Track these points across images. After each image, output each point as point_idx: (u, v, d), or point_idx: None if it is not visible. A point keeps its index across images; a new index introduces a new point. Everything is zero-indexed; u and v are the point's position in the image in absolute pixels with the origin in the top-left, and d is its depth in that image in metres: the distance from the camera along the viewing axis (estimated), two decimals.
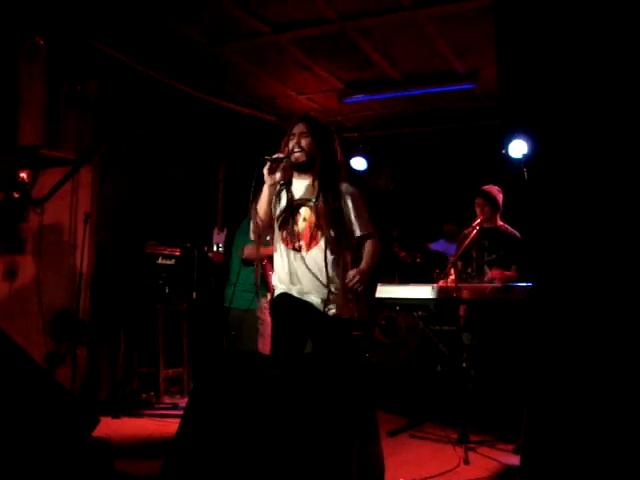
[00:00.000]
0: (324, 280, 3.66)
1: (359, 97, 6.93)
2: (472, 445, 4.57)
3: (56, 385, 3.92)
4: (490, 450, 4.57)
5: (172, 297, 6.29)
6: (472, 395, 4.96)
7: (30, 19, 5.03)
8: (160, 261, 6.20)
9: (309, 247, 3.70)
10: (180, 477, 3.54)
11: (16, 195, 5.33)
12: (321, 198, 3.72)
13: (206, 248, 6.63)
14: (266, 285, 5.77)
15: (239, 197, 6.65)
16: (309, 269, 3.67)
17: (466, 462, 4.27)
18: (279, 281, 3.82)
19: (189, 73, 6.33)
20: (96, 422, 3.85)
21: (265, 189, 3.69)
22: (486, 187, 5.62)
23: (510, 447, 4.56)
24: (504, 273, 5.29)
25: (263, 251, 5.61)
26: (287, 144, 3.76)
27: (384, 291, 5.48)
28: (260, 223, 3.75)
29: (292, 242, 3.73)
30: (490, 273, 5.33)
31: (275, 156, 3.65)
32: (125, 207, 6.36)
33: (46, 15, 5.06)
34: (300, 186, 3.78)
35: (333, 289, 3.67)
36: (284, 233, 3.75)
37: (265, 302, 6.10)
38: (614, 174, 2.51)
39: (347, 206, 3.82)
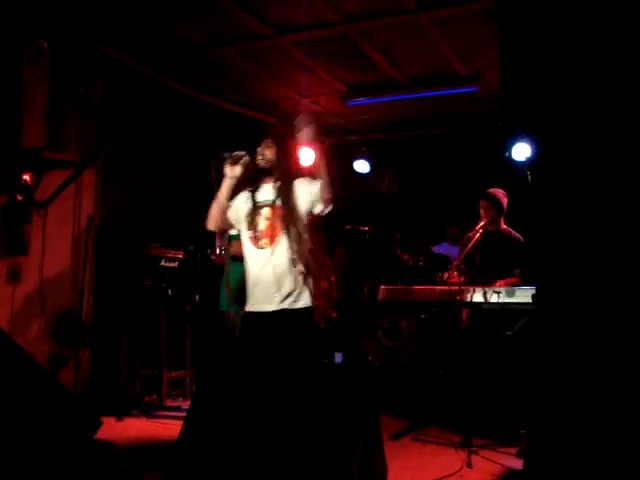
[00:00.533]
0: (287, 276, 3.93)
1: (362, 100, 6.93)
2: (475, 448, 4.56)
3: (59, 387, 3.92)
4: (493, 453, 4.56)
5: (175, 300, 6.29)
6: (475, 398, 4.94)
7: (33, 22, 5.04)
8: (163, 264, 6.20)
9: (271, 244, 3.97)
10: (183, 479, 3.54)
11: (19, 197, 5.34)
12: (280, 199, 4.04)
13: (209, 251, 6.62)
14: None
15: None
16: (273, 266, 3.93)
17: (469, 465, 4.26)
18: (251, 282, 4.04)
19: (192, 75, 6.33)
20: (99, 424, 3.85)
21: (226, 182, 4.00)
22: (491, 190, 5.62)
23: (513, 450, 4.55)
24: (510, 282, 5.28)
25: None
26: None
27: (387, 294, 5.48)
28: (221, 215, 4.05)
29: (257, 241, 4.00)
30: (497, 285, 5.32)
31: (236, 153, 3.97)
32: (128, 209, 6.37)
33: (49, 18, 5.07)
34: (263, 190, 4.11)
35: (294, 283, 3.95)
36: (250, 232, 4.03)
37: None
38: (618, 177, 2.51)
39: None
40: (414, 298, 5.34)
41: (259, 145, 4.09)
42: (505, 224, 5.63)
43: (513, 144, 5.53)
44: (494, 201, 5.54)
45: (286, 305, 3.91)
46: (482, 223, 5.34)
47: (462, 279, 5.06)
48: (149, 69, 5.96)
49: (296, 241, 3.97)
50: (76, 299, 5.84)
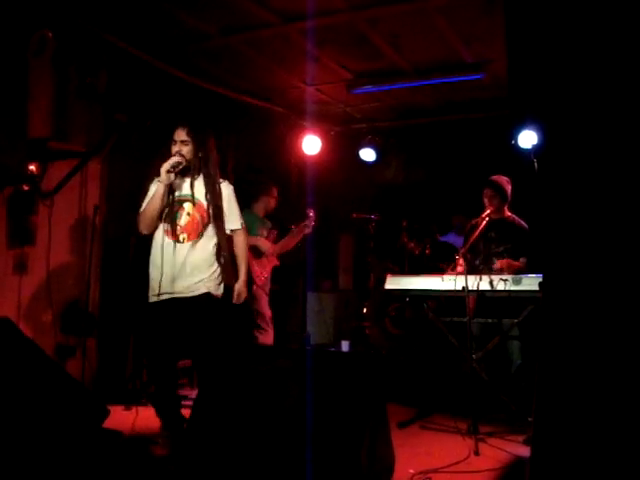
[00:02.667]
0: (205, 267, 4.15)
1: (368, 88, 6.91)
2: (482, 436, 4.58)
3: (67, 377, 3.94)
4: (500, 441, 4.57)
5: None
6: (482, 386, 4.95)
7: (38, 12, 5.03)
8: None
9: (190, 239, 4.12)
10: (190, 467, 3.56)
11: (26, 188, 5.35)
12: (205, 196, 4.18)
13: None
14: (251, 278, 5.84)
15: (247, 189, 6.68)
16: (192, 258, 4.10)
17: (476, 453, 4.27)
18: (155, 270, 4.14)
19: (197, 64, 6.32)
20: (106, 413, 3.87)
21: (160, 187, 4.08)
22: (495, 177, 5.60)
23: (520, 438, 4.56)
24: (512, 263, 5.28)
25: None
26: (174, 144, 4.22)
27: (393, 282, 5.48)
28: (152, 219, 4.14)
29: (175, 234, 4.12)
30: (498, 263, 5.32)
31: (175, 162, 4.08)
32: (134, 199, 6.35)
33: (54, 7, 5.06)
34: (181, 184, 4.20)
35: (211, 274, 4.17)
36: (166, 226, 4.14)
37: (262, 295, 6.14)
38: (626, 165, 2.50)
39: (225, 203, 4.29)
40: (421, 286, 5.33)
41: (173, 140, 4.20)
42: (509, 211, 5.62)
43: (519, 131, 5.52)
44: (498, 189, 5.53)
45: (194, 293, 4.11)
46: (487, 211, 5.33)
47: (468, 267, 5.06)
48: (155, 58, 5.95)
49: (218, 236, 4.19)
50: (83, 289, 5.85)
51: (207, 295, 4.15)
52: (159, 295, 4.09)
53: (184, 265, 4.09)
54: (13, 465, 3.21)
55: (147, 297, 4.19)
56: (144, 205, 4.17)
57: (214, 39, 5.72)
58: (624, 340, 2.41)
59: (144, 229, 4.18)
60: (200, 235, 4.13)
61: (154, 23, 5.41)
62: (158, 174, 4.12)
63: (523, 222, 5.52)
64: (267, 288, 6.25)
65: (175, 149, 4.15)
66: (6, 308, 5.11)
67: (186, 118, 4.32)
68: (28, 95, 5.04)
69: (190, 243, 4.11)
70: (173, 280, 4.08)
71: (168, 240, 4.09)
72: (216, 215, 4.18)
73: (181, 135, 4.18)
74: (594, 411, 2.43)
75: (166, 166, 4.04)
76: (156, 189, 4.10)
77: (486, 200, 5.51)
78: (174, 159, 4.08)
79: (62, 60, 5.25)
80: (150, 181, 4.26)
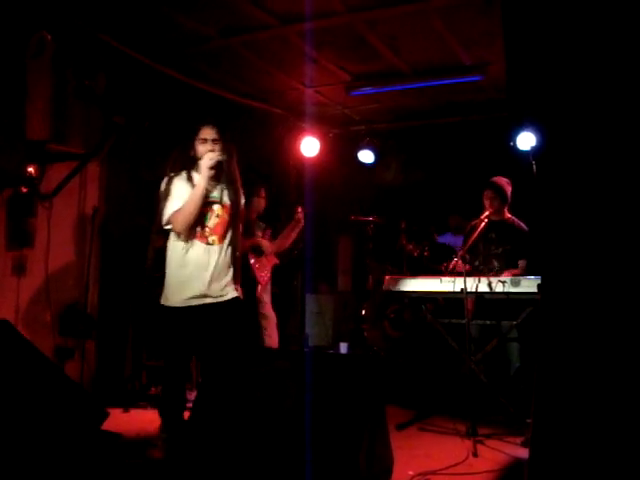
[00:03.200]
0: (228, 270, 4.10)
1: (366, 90, 6.91)
2: (480, 438, 4.58)
3: (65, 379, 3.94)
4: (499, 443, 4.57)
5: None
6: (480, 388, 4.95)
7: (37, 14, 5.04)
8: None
9: (219, 241, 4.03)
10: (188, 469, 3.56)
11: (24, 190, 5.35)
12: (232, 199, 4.12)
13: None
14: (255, 279, 5.87)
15: (246, 190, 6.68)
16: (220, 261, 4.02)
17: (475, 455, 4.27)
18: (181, 273, 4.02)
19: (196, 67, 6.32)
20: (105, 415, 3.87)
21: (202, 184, 3.92)
22: (495, 179, 5.60)
23: (519, 440, 4.56)
24: (515, 273, 5.27)
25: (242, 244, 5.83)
26: (196, 147, 4.07)
27: (392, 284, 5.49)
28: (194, 217, 3.95)
29: (204, 236, 4.01)
30: (502, 276, 5.32)
31: (219, 159, 3.98)
32: (133, 201, 6.37)
33: (53, 9, 5.06)
34: (209, 186, 4.03)
35: (231, 276, 4.13)
36: (197, 228, 4.00)
37: (267, 297, 6.14)
38: (624, 166, 2.50)
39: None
40: (419, 288, 5.33)
41: (201, 139, 4.06)
42: (509, 213, 5.62)
43: (518, 133, 5.52)
44: (498, 190, 5.54)
45: (225, 297, 4.05)
46: (487, 213, 5.34)
47: (467, 269, 5.06)
48: (153, 60, 5.95)
49: (239, 239, 4.18)
50: (82, 291, 5.85)
51: (236, 299, 4.10)
52: (189, 299, 3.98)
53: (215, 268, 4.00)
54: (12, 467, 3.20)
55: (162, 300, 4.05)
56: (180, 204, 3.93)
57: (213, 41, 5.72)
58: (622, 342, 2.41)
59: (183, 228, 3.95)
60: (225, 237, 4.07)
61: (153, 26, 5.41)
62: (175, 171, 4.03)
63: (523, 224, 5.52)
64: (269, 289, 6.24)
65: (208, 147, 4.01)
66: (5, 310, 5.11)
67: (212, 118, 4.24)
68: (26, 97, 5.04)
69: (219, 246, 4.03)
70: (204, 284, 3.98)
71: (198, 242, 3.99)
72: (236, 216, 4.13)
73: (212, 134, 4.05)
74: (592, 413, 2.43)
75: (209, 163, 3.92)
76: (197, 186, 3.93)
77: (486, 201, 5.51)
78: (217, 156, 3.96)
79: (61, 62, 5.26)
80: (170, 179, 4.05)
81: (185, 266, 3.99)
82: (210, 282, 3.98)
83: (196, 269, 3.96)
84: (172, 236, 4.05)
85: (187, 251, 3.98)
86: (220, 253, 4.02)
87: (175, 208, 3.91)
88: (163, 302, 4.03)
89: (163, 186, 4.01)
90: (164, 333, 4.12)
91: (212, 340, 4.05)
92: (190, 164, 4.06)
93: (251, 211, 6.34)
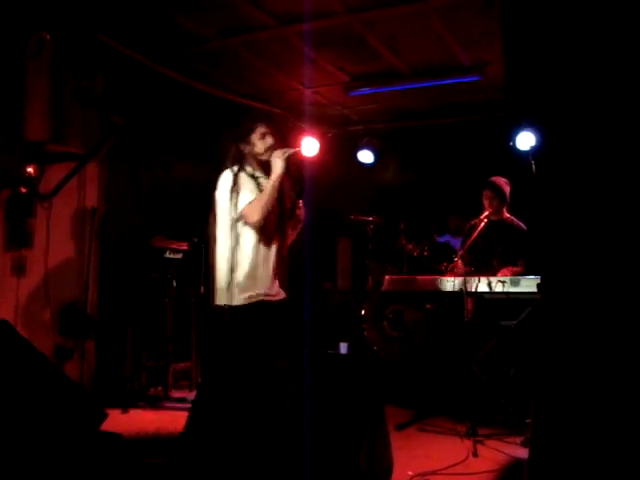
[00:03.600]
0: (282, 269, 4.06)
1: (365, 90, 6.91)
2: (480, 438, 4.57)
3: (65, 379, 3.94)
4: (498, 443, 4.57)
5: (180, 291, 6.30)
6: (480, 388, 4.95)
7: (35, 14, 5.03)
8: (168, 255, 6.20)
9: (275, 240, 3.99)
10: (187, 470, 3.56)
11: (23, 190, 5.35)
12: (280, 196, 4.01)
13: None
14: None
15: None
16: (274, 259, 3.97)
17: (475, 455, 4.27)
18: (250, 270, 3.89)
19: (195, 67, 6.32)
20: (104, 416, 3.87)
21: (279, 172, 3.85)
22: (494, 179, 5.61)
23: (518, 440, 4.56)
24: (514, 270, 5.28)
25: None
26: (254, 143, 4.02)
27: (392, 284, 5.48)
28: (268, 208, 3.84)
29: (267, 236, 3.94)
30: (501, 273, 5.32)
31: (293, 152, 3.94)
32: (132, 201, 6.37)
33: (51, 10, 5.06)
34: (264, 182, 3.95)
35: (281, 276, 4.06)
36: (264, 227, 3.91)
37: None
38: (623, 166, 2.50)
39: None
40: (419, 288, 5.34)
41: (263, 133, 4.02)
42: (508, 213, 5.62)
43: (517, 133, 5.51)
44: (497, 190, 5.54)
45: (280, 297, 4.00)
46: (486, 213, 5.34)
47: (466, 269, 5.06)
48: (152, 61, 5.95)
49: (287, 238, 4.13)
50: (81, 291, 5.85)
51: (286, 300, 4.06)
52: (256, 296, 3.89)
53: (274, 266, 3.97)
54: (11, 468, 3.20)
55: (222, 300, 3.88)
56: (251, 197, 3.84)
57: (212, 42, 5.72)
58: (622, 341, 2.41)
59: (257, 220, 3.80)
60: (279, 235, 4.04)
61: (152, 26, 5.41)
62: (234, 163, 3.97)
63: (522, 224, 5.53)
64: None
65: (269, 141, 4.00)
66: (4, 310, 5.11)
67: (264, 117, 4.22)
68: (25, 97, 5.04)
69: (275, 244, 3.99)
70: (265, 282, 3.92)
71: (264, 239, 3.92)
72: (283, 215, 4.09)
73: (269, 130, 4.05)
74: (592, 413, 2.43)
75: (284, 155, 3.87)
76: (274, 178, 3.83)
77: (485, 201, 5.52)
78: (290, 149, 3.94)
79: (59, 63, 5.26)
80: (235, 173, 3.95)
81: (256, 264, 3.90)
82: (272, 280, 3.95)
83: (264, 267, 3.91)
84: (244, 232, 3.90)
85: (256, 247, 3.90)
86: (275, 252, 3.97)
87: (248, 200, 3.82)
88: (225, 302, 3.87)
89: (230, 181, 3.91)
90: (225, 335, 3.96)
91: (270, 339, 3.93)
92: (245, 160, 4.02)
93: None
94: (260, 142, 4.00)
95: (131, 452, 4.19)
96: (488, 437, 4.66)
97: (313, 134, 7.73)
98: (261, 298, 3.88)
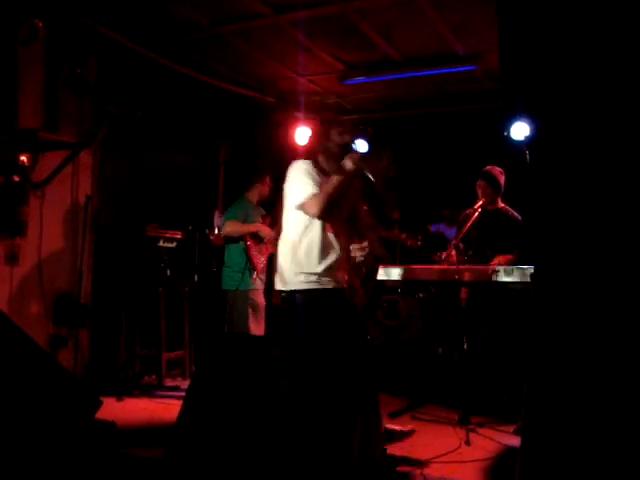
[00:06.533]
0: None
1: (360, 79, 6.89)
2: (473, 426, 4.60)
3: (59, 368, 3.94)
4: (491, 431, 4.60)
5: (173, 280, 6.30)
6: (473, 377, 4.97)
7: (28, 1, 5.00)
8: (161, 244, 6.20)
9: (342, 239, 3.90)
10: (182, 458, 3.57)
11: (16, 178, 5.33)
12: None
13: (207, 231, 6.64)
14: (252, 264, 5.93)
15: (239, 180, 6.68)
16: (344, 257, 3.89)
17: (467, 443, 4.30)
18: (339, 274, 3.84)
19: (189, 55, 6.29)
20: (99, 404, 3.87)
21: (347, 175, 3.82)
22: (488, 168, 5.61)
23: (511, 428, 4.59)
24: (508, 258, 5.29)
25: (243, 228, 5.84)
26: (332, 137, 4.02)
27: (385, 273, 5.49)
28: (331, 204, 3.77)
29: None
30: (495, 260, 5.33)
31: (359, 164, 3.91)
32: (126, 190, 6.36)
33: None
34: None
35: None
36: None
37: (260, 284, 6.15)
38: (617, 156, 2.50)
39: None
40: (413, 277, 5.34)
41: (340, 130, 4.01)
42: (502, 202, 5.63)
43: (512, 123, 5.51)
44: (491, 180, 5.54)
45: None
46: (481, 202, 5.35)
47: (460, 258, 5.07)
48: (146, 49, 5.92)
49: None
50: (75, 280, 5.84)
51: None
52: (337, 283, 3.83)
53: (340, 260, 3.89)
54: (5, 456, 3.21)
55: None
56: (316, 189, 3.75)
57: (205, 30, 5.69)
58: (614, 331, 2.43)
59: (320, 212, 3.72)
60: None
61: (145, 14, 5.38)
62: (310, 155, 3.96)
63: (517, 214, 5.53)
64: (264, 276, 6.26)
65: (347, 138, 4.05)
66: None
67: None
68: (18, 85, 5.02)
69: (341, 241, 3.91)
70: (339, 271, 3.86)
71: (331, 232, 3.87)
72: None
73: (348, 130, 4.09)
74: (584, 401, 2.44)
75: (358, 161, 3.92)
76: (341, 176, 3.82)
77: (479, 190, 5.52)
78: (367, 166, 3.97)
79: (52, 50, 5.23)
80: (312, 164, 3.94)
81: (337, 255, 3.86)
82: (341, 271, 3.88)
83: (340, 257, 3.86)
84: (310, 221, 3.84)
85: (332, 241, 3.86)
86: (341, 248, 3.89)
87: (312, 192, 3.75)
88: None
89: (304, 167, 3.87)
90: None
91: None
92: (319, 153, 4.01)
93: (253, 196, 6.37)
94: (337, 137, 3.99)
95: (125, 440, 4.20)
96: (481, 425, 4.69)
97: (307, 123, 7.75)
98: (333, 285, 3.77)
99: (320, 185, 3.75)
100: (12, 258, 5.40)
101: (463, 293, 5.07)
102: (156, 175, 6.59)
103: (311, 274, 3.69)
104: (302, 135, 7.64)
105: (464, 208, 5.64)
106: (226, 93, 7.06)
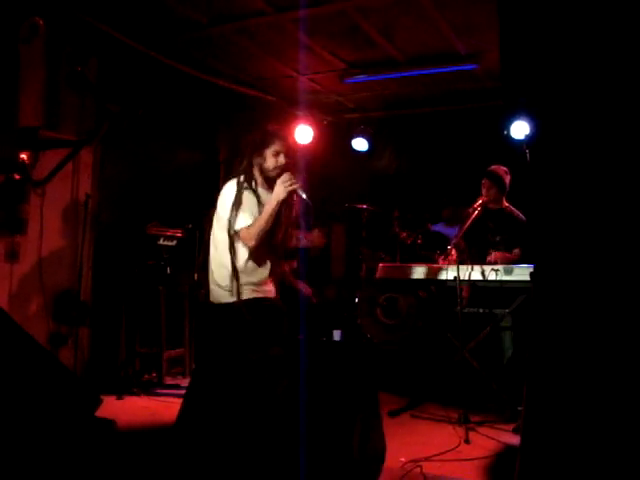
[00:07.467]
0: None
1: (360, 78, 6.90)
2: (472, 425, 4.61)
3: (59, 366, 3.94)
4: (490, 430, 4.60)
5: (174, 278, 6.30)
6: (473, 375, 4.98)
7: None
8: (162, 242, 6.20)
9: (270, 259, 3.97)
10: (182, 456, 3.57)
11: (17, 176, 5.33)
12: None
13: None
14: None
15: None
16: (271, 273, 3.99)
17: (467, 442, 4.30)
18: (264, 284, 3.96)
19: (190, 53, 6.30)
20: (99, 402, 3.87)
21: (274, 207, 3.76)
22: (493, 168, 5.59)
23: (510, 427, 4.60)
24: (506, 256, 5.29)
25: None
26: (265, 156, 3.92)
27: (385, 271, 5.49)
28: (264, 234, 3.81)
29: (275, 249, 3.97)
30: (492, 256, 5.34)
31: (293, 188, 3.79)
32: (126, 188, 6.36)
33: None
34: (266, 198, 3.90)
35: None
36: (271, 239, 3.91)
37: None
38: (618, 155, 2.50)
39: None
40: (412, 276, 5.35)
41: (279, 152, 3.92)
42: (507, 202, 5.62)
43: (512, 122, 5.52)
44: (496, 179, 5.53)
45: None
46: (480, 201, 5.34)
47: (460, 257, 5.08)
48: (147, 47, 5.92)
49: None
50: (75, 278, 5.84)
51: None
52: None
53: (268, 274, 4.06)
54: (4, 454, 3.21)
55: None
56: (250, 219, 3.81)
57: (206, 28, 5.69)
58: (614, 330, 2.43)
59: (257, 244, 3.80)
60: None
61: (145, 12, 5.38)
62: (242, 173, 3.95)
63: (521, 214, 5.52)
64: None
65: (281, 162, 3.93)
66: None
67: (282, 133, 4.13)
68: (19, 83, 5.02)
69: (268, 262, 4.04)
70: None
71: (270, 255, 4.03)
72: None
73: (286, 150, 3.99)
74: (584, 400, 2.45)
75: (289, 186, 3.79)
76: (274, 205, 3.78)
77: (484, 190, 5.51)
78: (293, 185, 3.81)
79: (53, 48, 5.23)
80: (240, 187, 3.91)
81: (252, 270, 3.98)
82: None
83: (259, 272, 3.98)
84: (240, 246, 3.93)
85: (266, 264, 4.03)
86: (270, 267, 4.04)
87: (245, 221, 3.78)
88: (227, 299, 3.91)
89: (233, 194, 3.85)
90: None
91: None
92: (252, 172, 3.96)
93: None
94: (272, 159, 3.92)
95: (126, 438, 4.21)
96: (480, 424, 4.69)
97: (308, 122, 7.76)
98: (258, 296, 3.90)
99: (253, 205, 3.83)
100: (12, 256, 5.40)
101: (464, 292, 5.08)
102: (156, 173, 6.59)
103: (245, 285, 3.83)
104: (302, 134, 7.65)
105: (465, 207, 5.64)
106: (226, 92, 7.06)
